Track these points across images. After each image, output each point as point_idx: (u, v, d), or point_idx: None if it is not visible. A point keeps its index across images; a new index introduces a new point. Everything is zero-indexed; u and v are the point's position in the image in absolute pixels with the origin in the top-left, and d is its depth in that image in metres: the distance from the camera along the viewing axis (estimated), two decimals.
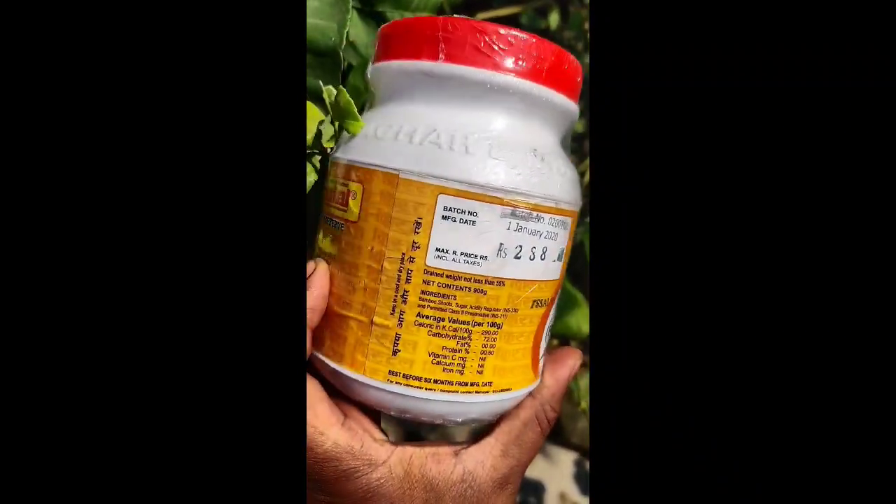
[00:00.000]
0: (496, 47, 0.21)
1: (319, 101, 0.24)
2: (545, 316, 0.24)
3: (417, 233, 0.21)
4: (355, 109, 0.23)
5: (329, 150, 0.24)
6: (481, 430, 0.25)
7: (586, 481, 0.81)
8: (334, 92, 0.23)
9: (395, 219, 0.21)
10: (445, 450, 0.23)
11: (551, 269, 0.23)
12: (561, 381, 0.25)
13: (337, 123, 0.24)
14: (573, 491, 0.81)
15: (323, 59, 0.26)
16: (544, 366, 0.25)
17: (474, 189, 0.20)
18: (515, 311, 0.22)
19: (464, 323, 0.21)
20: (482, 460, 0.23)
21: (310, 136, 0.24)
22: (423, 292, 0.21)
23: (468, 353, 0.22)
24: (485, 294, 0.21)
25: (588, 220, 0.29)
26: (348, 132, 0.23)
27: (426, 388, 0.22)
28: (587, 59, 0.23)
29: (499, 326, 0.22)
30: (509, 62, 0.21)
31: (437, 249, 0.21)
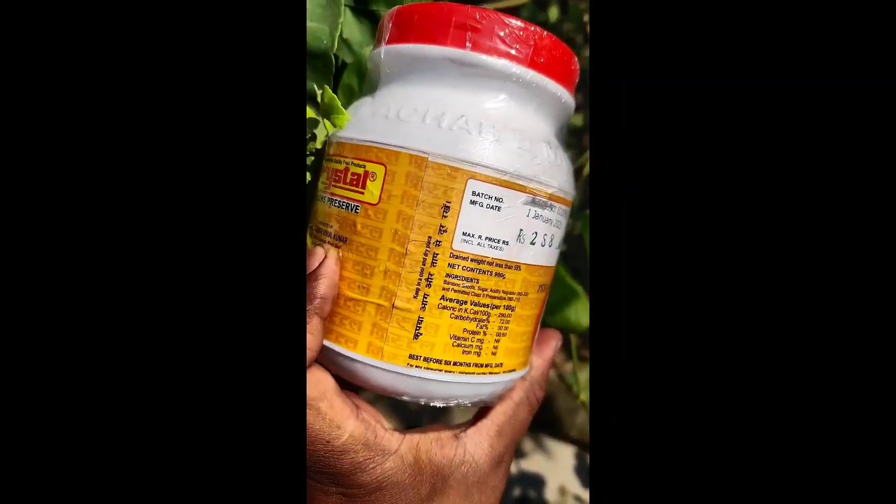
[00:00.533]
0: (521, 41, 0.22)
1: (312, 102, 0.24)
2: (544, 300, 0.25)
3: (445, 216, 0.21)
4: (339, 104, 0.23)
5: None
6: (472, 411, 0.26)
7: (586, 475, 0.79)
8: (320, 92, 0.24)
9: (423, 202, 0.21)
10: (447, 434, 0.24)
11: (554, 256, 0.24)
12: (547, 361, 0.27)
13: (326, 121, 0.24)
14: (573, 484, 0.80)
15: (315, 61, 0.25)
16: None
17: (502, 176, 0.21)
18: (527, 294, 0.23)
19: (484, 306, 0.22)
20: (480, 441, 0.24)
21: None
22: (448, 275, 0.21)
23: (485, 335, 0.22)
24: (503, 278, 0.22)
25: (587, 213, 0.31)
26: (335, 126, 0.24)
27: (445, 371, 0.22)
28: (586, 53, 0.25)
29: (512, 309, 0.23)
30: (532, 56, 0.22)
31: (464, 234, 0.21)
